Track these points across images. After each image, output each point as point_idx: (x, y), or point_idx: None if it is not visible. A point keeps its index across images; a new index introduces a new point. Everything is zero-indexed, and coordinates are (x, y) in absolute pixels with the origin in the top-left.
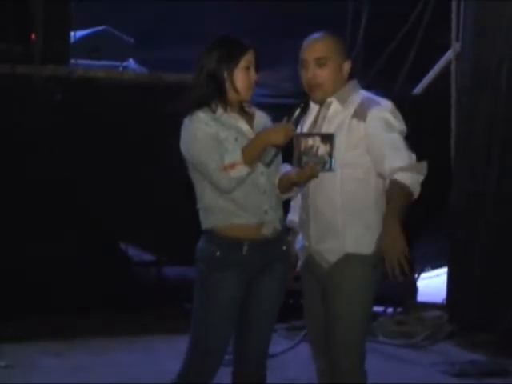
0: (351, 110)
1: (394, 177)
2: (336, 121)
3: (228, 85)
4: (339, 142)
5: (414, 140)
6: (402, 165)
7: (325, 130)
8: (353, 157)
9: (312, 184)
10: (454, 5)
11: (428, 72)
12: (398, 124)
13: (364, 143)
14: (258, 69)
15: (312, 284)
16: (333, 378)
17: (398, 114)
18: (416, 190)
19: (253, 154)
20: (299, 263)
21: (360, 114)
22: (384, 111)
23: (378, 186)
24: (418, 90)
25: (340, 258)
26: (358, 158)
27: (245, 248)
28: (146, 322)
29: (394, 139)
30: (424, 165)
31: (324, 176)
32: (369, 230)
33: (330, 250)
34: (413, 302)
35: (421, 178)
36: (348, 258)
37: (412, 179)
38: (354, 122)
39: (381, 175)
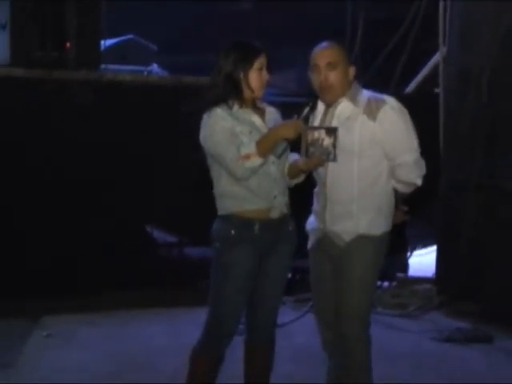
0: (361, 107)
1: (404, 176)
2: (345, 116)
3: (243, 84)
4: (354, 137)
5: None
6: (411, 160)
7: (333, 124)
8: (367, 150)
9: (330, 174)
10: (440, 13)
11: (418, 73)
12: (407, 117)
13: (377, 137)
14: (269, 70)
15: (323, 262)
16: (341, 347)
17: (402, 106)
18: (419, 182)
19: (266, 147)
20: (309, 243)
21: (371, 111)
22: (395, 108)
23: (388, 177)
24: (410, 89)
25: (354, 238)
26: (372, 151)
27: (256, 227)
28: (170, 297)
29: (407, 135)
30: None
31: (341, 167)
32: (380, 215)
33: (346, 231)
34: (406, 276)
35: (423, 172)
36: (361, 238)
37: (417, 175)
38: (365, 118)
39: (392, 166)
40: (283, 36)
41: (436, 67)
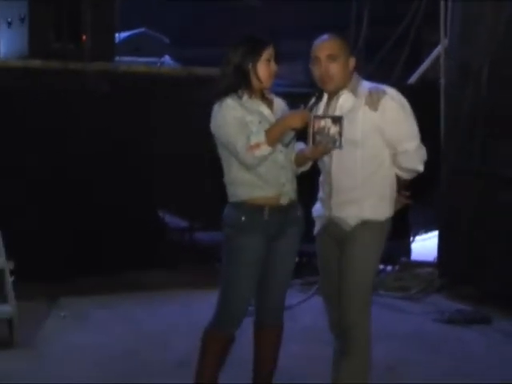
0: (362, 98)
1: (406, 163)
2: (347, 107)
3: (252, 75)
4: (356, 127)
5: None
6: (412, 147)
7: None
8: (369, 139)
9: (334, 164)
10: (442, 6)
11: (421, 64)
12: (407, 106)
13: (379, 127)
14: (277, 61)
15: (330, 246)
16: (341, 328)
17: (402, 96)
18: (421, 168)
19: (275, 137)
20: (316, 229)
21: (372, 101)
22: (395, 98)
23: (390, 164)
24: (413, 79)
25: (359, 223)
26: (374, 140)
27: (266, 213)
28: (182, 279)
29: (411, 125)
30: (425, 150)
31: (345, 157)
32: (382, 201)
33: (351, 216)
34: (408, 260)
35: (424, 158)
36: (365, 223)
37: (419, 162)
38: (367, 109)
39: (394, 154)
40: (291, 29)
41: (437, 59)
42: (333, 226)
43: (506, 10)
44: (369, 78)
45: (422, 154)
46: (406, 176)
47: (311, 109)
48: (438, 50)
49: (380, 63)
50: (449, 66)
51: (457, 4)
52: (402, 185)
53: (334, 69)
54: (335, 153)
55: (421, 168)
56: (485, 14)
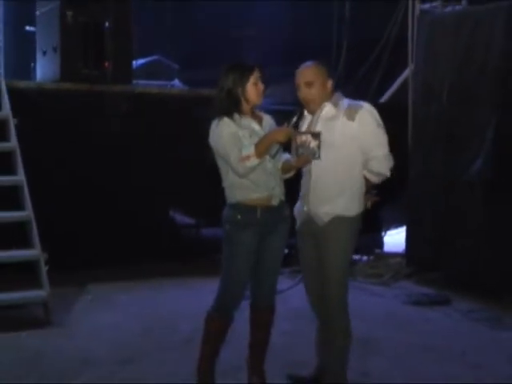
0: (341, 110)
1: (376, 167)
2: (329, 116)
3: (242, 97)
4: (335, 134)
5: None
6: (381, 154)
7: (319, 127)
8: (345, 145)
9: (313, 168)
10: (409, 36)
11: (391, 86)
12: (379, 119)
13: (354, 135)
14: (263, 81)
15: (308, 239)
16: (324, 309)
17: (375, 111)
18: (388, 173)
19: (262, 149)
20: (296, 225)
21: (350, 113)
22: (370, 112)
23: (361, 168)
24: (384, 99)
25: (332, 218)
26: (349, 146)
27: (258, 212)
28: (189, 268)
29: (382, 135)
30: (392, 158)
31: (323, 161)
32: (353, 199)
33: (325, 212)
34: (381, 252)
35: (391, 164)
36: (338, 218)
37: (387, 167)
38: (345, 120)
39: (366, 159)
40: (281, 55)
41: (406, 81)
42: (310, 221)
43: (463, 39)
44: (348, 96)
45: (390, 161)
46: (374, 179)
47: (294, 125)
48: (406, 73)
49: (358, 83)
50: (415, 87)
51: (421, 34)
52: (370, 187)
53: (312, 93)
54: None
55: (388, 173)
56: (445, 43)
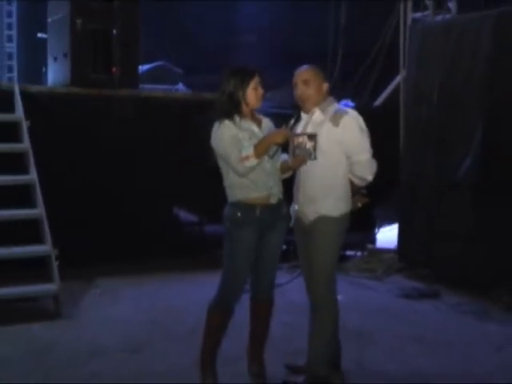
0: (328, 117)
1: (359, 172)
2: (317, 122)
3: (242, 101)
4: (321, 139)
5: (375, 137)
6: (364, 159)
7: (310, 130)
8: (331, 149)
9: (303, 170)
10: (401, 43)
11: (385, 90)
12: (363, 126)
13: (339, 141)
14: (263, 86)
15: (300, 235)
16: (311, 302)
17: (360, 118)
18: (370, 178)
19: (261, 150)
20: (292, 222)
21: (335, 120)
22: (354, 118)
23: (345, 171)
24: (378, 102)
25: (317, 218)
26: (334, 151)
27: (258, 211)
28: (193, 264)
29: (365, 141)
30: (375, 164)
31: (310, 164)
32: (338, 200)
33: (311, 212)
34: (374, 248)
35: (374, 170)
36: (323, 218)
37: (369, 172)
38: (331, 125)
39: (350, 164)
40: (280, 61)
41: (398, 86)
42: (299, 219)
43: (451, 47)
44: (345, 99)
45: (373, 166)
46: (358, 182)
47: (292, 128)
48: (399, 78)
49: (354, 88)
50: (407, 91)
51: (413, 42)
52: (356, 189)
53: (308, 91)
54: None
55: (370, 178)
56: (435, 50)
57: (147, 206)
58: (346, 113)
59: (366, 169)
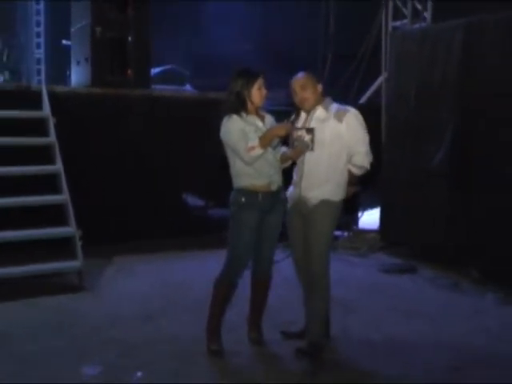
0: (331, 113)
1: (359, 161)
2: (321, 119)
3: (248, 99)
4: (326, 133)
5: None
6: (364, 150)
7: (312, 126)
8: (334, 142)
9: (307, 156)
10: (383, 48)
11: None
12: (363, 121)
13: (342, 135)
14: (266, 86)
15: (297, 218)
16: (308, 277)
17: (359, 114)
18: (368, 167)
19: (265, 142)
20: (288, 205)
21: (339, 116)
22: (355, 115)
23: (345, 162)
24: (362, 100)
25: (319, 202)
26: (337, 144)
27: (260, 196)
28: (200, 244)
29: (364, 135)
30: (371, 155)
31: (316, 153)
32: (338, 187)
33: (314, 197)
34: (359, 228)
35: (371, 159)
36: (324, 202)
37: (368, 162)
38: (335, 121)
39: (351, 154)
40: (279, 64)
41: (380, 86)
42: (301, 203)
43: (426, 52)
44: (333, 98)
45: (370, 156)
46: (357, 171)
47: (292, 122)
48: (381, 79)
49: (341, 87)
50: (388, 91)
51: (393, 47)
52: (353, 178)
53: (306, 94)
54: (309, 152)
55: (368, 166)
56: (412, 55)
57: (161, 193)
58: (348, 111)
59: (365, 158)
